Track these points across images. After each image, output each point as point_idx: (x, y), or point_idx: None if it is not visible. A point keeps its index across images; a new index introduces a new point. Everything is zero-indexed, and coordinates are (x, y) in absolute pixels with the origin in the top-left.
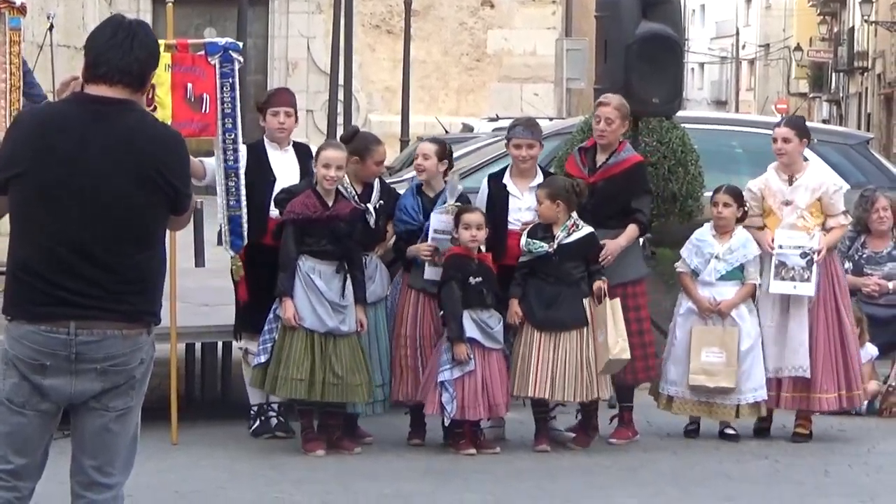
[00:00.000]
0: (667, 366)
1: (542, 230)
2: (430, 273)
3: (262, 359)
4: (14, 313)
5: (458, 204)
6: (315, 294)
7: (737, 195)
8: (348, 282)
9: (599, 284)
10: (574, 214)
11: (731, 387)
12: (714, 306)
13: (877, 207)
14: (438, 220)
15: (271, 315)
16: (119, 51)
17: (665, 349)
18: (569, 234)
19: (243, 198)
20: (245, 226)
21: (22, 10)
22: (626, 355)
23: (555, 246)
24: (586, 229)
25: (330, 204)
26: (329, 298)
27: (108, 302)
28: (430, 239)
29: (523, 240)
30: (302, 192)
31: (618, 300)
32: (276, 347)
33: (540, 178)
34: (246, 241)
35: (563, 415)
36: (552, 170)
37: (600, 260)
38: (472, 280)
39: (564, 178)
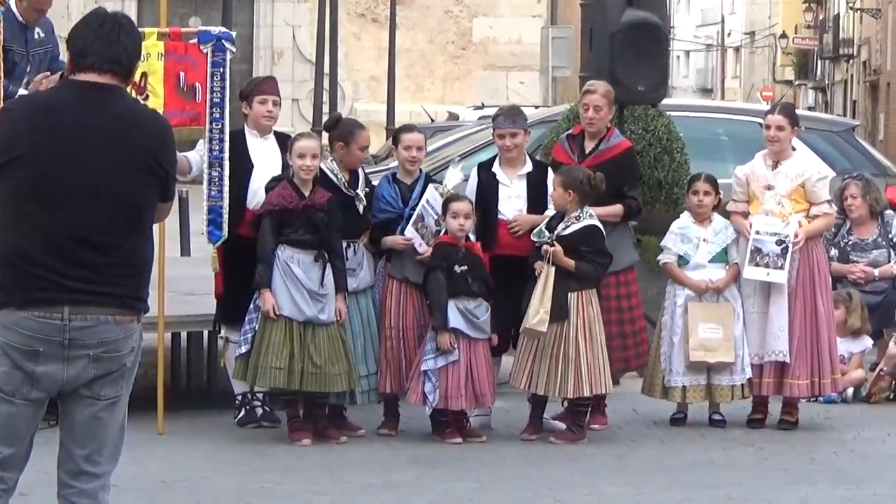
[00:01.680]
0: (670, 358)
1: (557, 220)
2: (410, 231)
3: (244, 349)
4: (6, 300)
5: (452, 190)
6: (293, 283)
7: (714, 183)
8: (328, 271)
9: (548, 249)
10: (586, 207)
11: (731, 361)
12: (710, 286)
13: (846, 195)
14: (432, 194)
15: (252, 306)
16: (107, 41)
17: (661, 342)
18: (567, 227)
19: (226, 188)
20: (225, 217)
21: (3, 0)
22: (543, 328)
23: (553, 237)
24: (587, 222)
25: (306, 194)
26: (307, 287)
27: (103, 286)
28: (420, 206)
29: (537, 228)
30: (279, 184)
31: (553, 269)
32: (257, 338)
33: (529, 167)
34: (225, 233)
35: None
36: (538, 157)
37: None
38: (457, 268)
39: (583, 169)
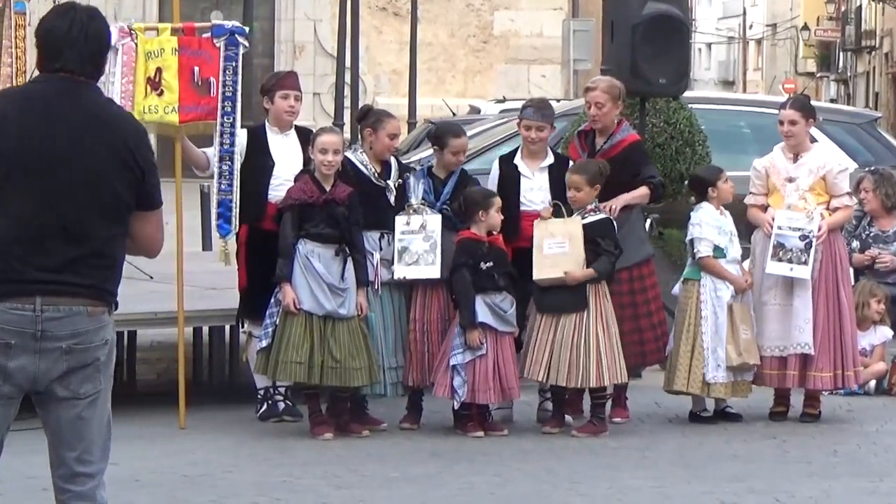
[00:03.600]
0: (715, 354)
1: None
2: (400, 271)
3: (264, 343)
4: None
5: (423, 203)
6: (313, 277)
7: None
8: (349, 265)
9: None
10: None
11: (758, 362)
12: (749, 283)
13: (860, 189)
14: (398, 221)
15: (273, 300)
16: (75, 48)
17: (701, 337)
18: (584, 219)
19: (236, 182)
20: (235, 210)
21: None
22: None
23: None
24: (601, 215)
25: (328, 189)
26: (327, 281)
27: (74, 276)
28: (396, 240)
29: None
30: (300, 179)
31: (579, 228)
32: (277, 332)
33: (551, 159)
34: (235, 227)
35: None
36: (559, 150)
37: (605, 207)
38: (483, 265)
39: (591, 161)
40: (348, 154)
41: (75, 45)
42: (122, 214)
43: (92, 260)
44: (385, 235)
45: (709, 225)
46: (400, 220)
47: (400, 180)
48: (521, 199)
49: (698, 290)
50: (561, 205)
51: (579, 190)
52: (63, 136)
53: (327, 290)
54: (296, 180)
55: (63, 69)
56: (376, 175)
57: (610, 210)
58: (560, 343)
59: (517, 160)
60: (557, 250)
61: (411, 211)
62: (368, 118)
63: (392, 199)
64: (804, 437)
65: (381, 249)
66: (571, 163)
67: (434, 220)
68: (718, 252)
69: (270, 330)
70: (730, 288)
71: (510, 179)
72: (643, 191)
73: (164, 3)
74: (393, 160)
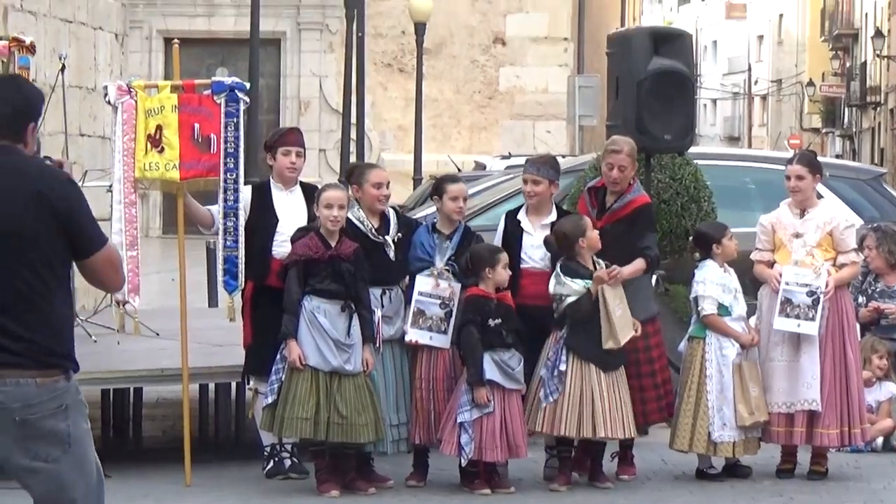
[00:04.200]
0: (721, 413)
1: (582, 268)
2: (413, 334)
3: (270, 399)
4: None
5: (448, 267)
6: (319, 333)
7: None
8: (355, 321)
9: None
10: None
11: (767, 419)
12: (755, 340)
13: (863, 246)
14: (424, 282)
15: (278, 356)
16: None
17: (706, 394)
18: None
19: (241, 238)
20: (241, 267)
21: (32, 48)
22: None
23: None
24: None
25: (333, 244)
26: (333, 337)
27: (17, 347)
28: (413, 301)
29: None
30: (306, 235)
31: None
32: (283, 388)
33: (554, 216)
34: (242, 284)
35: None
36: (565, 207)
37: (611, 273)
38: (491, 322)
39: (569, 219)
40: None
41: None
42: (56, 277)
43: (35, 328)
44: (387, 292)
45: (713, 283)
46: (425, 282)
47: (399, 234)
48: (522, 255)
49: (703, 347)
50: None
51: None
52: None
53: (333, 345)
54: (294, 239)
55: None
56: (374, 231)
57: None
58: (594, 394)
59: (521, 215)
60: (620, 312)
61: (436, 274)
62: (353, 175)
63: (392, 254)
64: (811, 494)
65: (382, 306)
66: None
67: (457, 290)
68: (723, 310)
69: (276, 386)
70: (735, 345)
71: (513, 235)
72: (640, 264)
73: (170, 58)
74: (392, 214)
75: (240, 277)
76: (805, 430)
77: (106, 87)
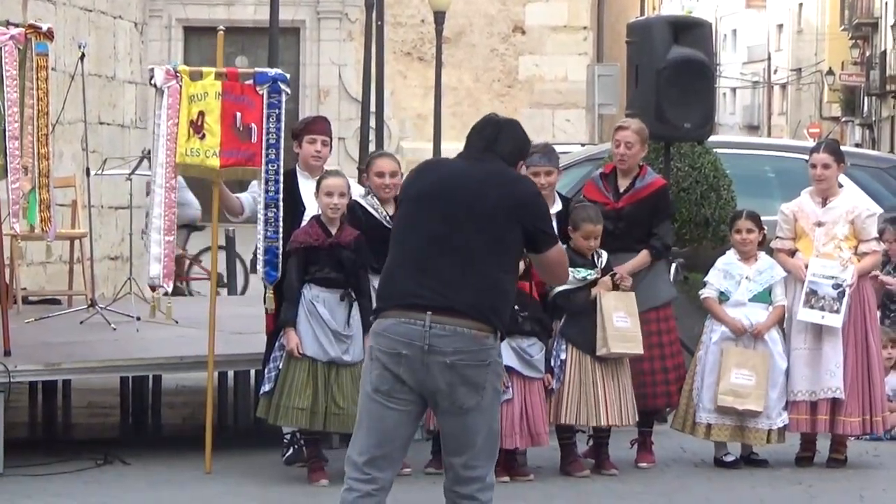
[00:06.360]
0: (700, 394)
1: (579, 258)
2: None
3: (267, 387)
4: (382, 307)
5: None
6: (318, 322)
7: (756, 220)
8: (354, 310)
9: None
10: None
11: (759, 410)
12: (749, 329)
13: (882, 239)
14: None
15: (277, 344)
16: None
17: (694, 377)
18: (599, 256)
19: (280, 229)
20: (281, 257)
21: (49, 35)
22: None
23: (600, 270)
24: (604, 252)
25: (333, 232)
26: (332, 327)
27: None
28: None
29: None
30: (307, 223)
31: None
32: (280, 376)
33: (559, 206)
34: (281, 273)
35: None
36: (581, 196)
37: (619, 276)
38: None
39: (593, 206)
40: (360, 199)
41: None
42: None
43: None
44: None
45: (716, 269)
46: None
47: None
48: None
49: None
50: (614, 274)
51: (595, 238)
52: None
53: (331, 336)
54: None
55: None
56: (388, 218)
57: (622, 277)
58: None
59: None
60: (623, 325)
61: None
62: (366, 165)
63: None
64: (830, 482)
65: None
66: (580, 206)
67: None
68: (722, 295)
69: (274, 374)
70: (721, 329)
71: None
72: (644, 257)
73: (189, 48)
74: None
75: (280, 268)
76: (828, 418)
77: (152, 70)
